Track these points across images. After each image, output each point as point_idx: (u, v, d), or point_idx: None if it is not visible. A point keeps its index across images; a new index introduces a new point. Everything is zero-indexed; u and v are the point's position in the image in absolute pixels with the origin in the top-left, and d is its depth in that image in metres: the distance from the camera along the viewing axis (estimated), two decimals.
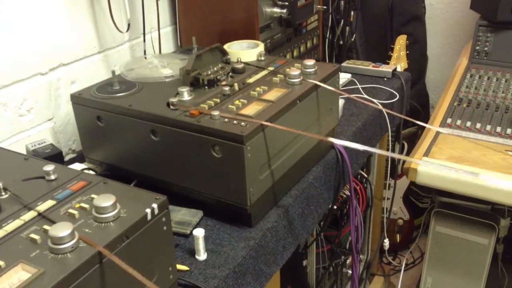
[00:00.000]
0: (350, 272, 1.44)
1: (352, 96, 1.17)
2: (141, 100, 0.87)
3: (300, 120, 0.88)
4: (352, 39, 1.82)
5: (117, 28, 1.10)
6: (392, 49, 1.80)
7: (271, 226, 0.84)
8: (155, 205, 0.58)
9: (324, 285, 1.32)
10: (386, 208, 1.67)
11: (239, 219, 0.82)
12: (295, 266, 1.19)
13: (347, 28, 1.77)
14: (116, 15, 1.09)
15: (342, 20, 1.75)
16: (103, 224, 0.54)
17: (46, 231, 0.52)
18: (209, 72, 0.91)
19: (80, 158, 1.02)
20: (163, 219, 0.59)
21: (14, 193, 0.60)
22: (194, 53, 0.90)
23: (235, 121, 0.77)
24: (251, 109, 0.81)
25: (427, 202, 1.99)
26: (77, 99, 0.91)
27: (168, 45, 1.32)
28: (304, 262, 1.20)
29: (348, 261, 1.45)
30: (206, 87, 0.89)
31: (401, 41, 1.81)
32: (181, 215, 0.85)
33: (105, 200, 0.55)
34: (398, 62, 1.78)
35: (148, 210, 0.57)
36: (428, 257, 1.50)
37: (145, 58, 1.09)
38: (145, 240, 0.57)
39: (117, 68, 0.96)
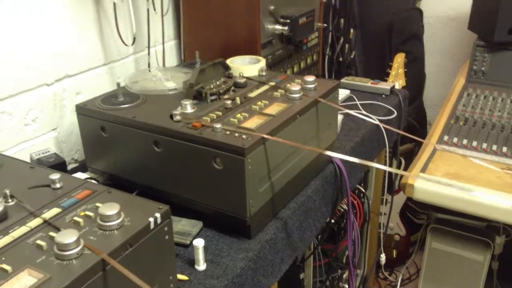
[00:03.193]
0: (347, 286, 1.45)
1: (351, 111, 1.20)
2: (144, 112, 0.89)
3: (300, 134, 0.90)
4: (352, 56, 1.85)
5: (123, 41, 1.13)
6: (390, 67, 1.83)
7: (269, 238, 0.85)
8: (158, 215, 0.59)
9: None
10: (383, 224, 1.68)
11: (238, 230, 0.84)
12: (292, 279, 1.20)
13: (347, 45, 1.81)
14: (122, 28, 1.12)
15: (342, 38, 1.79)
16: (107, 232, 0.56)
17: (52, 237, 0.54)
18: (212, 86, 0.93)
19: (82, 168, 1.04)
20: (165, 228, 0.61)
21: (20, 201, 0.61)
22: (197, 67, 0.93)
23: (236, 134, 0.79)
24: (253, 123, 0.83)
25: (424, 218, 2.00)
26: (82, 110, 0.93)
27: (172, 59, 1.34)
28: (301, 275, 1.21)
29: (344, 275, 1.46)
30: (209, 100, 0.92)
31: (399, 59, 1.85)
32: (181, 225, 0.86)
33: (109, 209, 0.57)
34: (396, 79, 1.81)
35: (151, 219, 0.58)
36: (424, 273, 1.51)
37: (149, 71, 1.11)
38: (147, 248, 0.58)
39: (122, 80, 0.99)
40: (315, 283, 1.27)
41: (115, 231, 0.56)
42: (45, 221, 0.58)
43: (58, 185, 0.65)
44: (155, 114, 0.88)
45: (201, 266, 0.77)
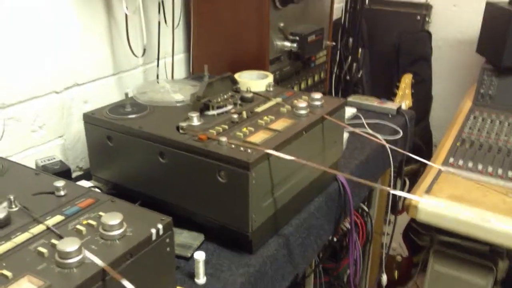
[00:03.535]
0: None
1: (357, 130, 1.20)
2: (151, 123, 0.90)
3: (305, 150, 0.90)
4: (359, 75, 1.86)
5: (133, 52, 1.14)
6: (397, 87, 1.84)
7: (271, 254, 0.85)
8: (160, 226, 0.59)
9: None
10: (386, 244, 1.67)
11: (240, 245, 0.83)
12: None
13: (355, 64, 1.82)
14: (132, 39, 1.13)
15: (350, 57, 1.80)
16: (109, 242, 0.56)
17: (53, 245, 0.54)
18: (219, 100, 0.94)
19: (86, 176, 1.04)
20: (167, 240, 0.61)
21: (24, 206, 0.62)
22: (206, 81, 0.93)
23: (241, 148, 0.79)
24: (258, 137, 0.83)
25: (427, 240, 1.98)
26: (89, 119, 0.94)
27: (180, 71, 1.35)
28: None
29: None
30: (216, 113, 0.92)
31: (406, 79, 1.85)
32: (182, 237, 0.86)
33: (112, 218, 0.57)
34: (403, 99, 1.81)
35: (153, 230, 0.58)
36: None
37: (158, 82, 1.12)
38: (148, 259, 0.58)
39: (130, 91, 0.99)
40: None
41: (117, 241, 0.56)
42: (47, 228, 0.58)
43: (62, 193, 0.65)
44: (162, 125, 0.88)
45: (201, 279, 0.77)
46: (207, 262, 0.80)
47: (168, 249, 0.61)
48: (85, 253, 0.52)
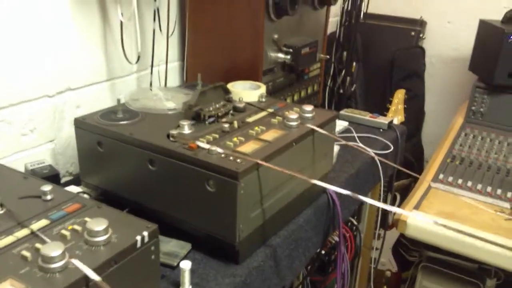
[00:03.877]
0: None
1: (348, 143, 1.20)
2: (142, 130, 0.90)
3: (295, 162, 0.90)
4: (352, 89, 1.88)
5: (127, 59, 1.14)
6: (390, 102, 1.85)
7: (257, 265, 0.84)
8: (145, 233, 0.59)
9: None
10: (375, 258, 1.67)
11: (226, 255, 0.83)
12: None
13: (348, 78, 1.83)
14: (127, 46, 1.14)
15: (344, 70, 1.81)
16: (93, 248, 0.56)
17: (37, 249, 0.54)
18: (211, 109, 0.94)
19: (76, 181, 1.03)
20: (152, 247, 0.61)
21: (10, 210, 0.61)
22: (198, 89, 0.94)
23: (231, 157, 0.79)
24: (248, 147, 0.84)
25: (416, 256, 1.98)
26: (80, 123, 0.94)
27: (174, 80, 1.36)
28: None
29: None
30: (207, 122, 0.92)
31: (399, 94, 1.87)
32: (170, 246, 0.85)
33: (97, 224, 0.56)
34: (396, 114, 1.82)
35: (139, 238, 0.58)
36: None
37: (151, 89, 1.13)
38: (133, 267, 0.58)
39: (123, 97, 1.00)
40: None
41: (102, 247, 0.56)
42: (32, 232, 0.58)
43: (49, 197, 0.65)
44: (153, 132, 0.88)
45: None
46: (193, 272, 0.79)
47: (153, 256, 0.61)
48: (69, 259, 0.52)
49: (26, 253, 0.53)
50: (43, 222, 0.60)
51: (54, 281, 0.50)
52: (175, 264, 0.81)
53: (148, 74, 1.23)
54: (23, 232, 0.58)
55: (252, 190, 0.80)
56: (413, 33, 2.02)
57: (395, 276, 1.95)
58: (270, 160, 0.82)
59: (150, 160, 0.86)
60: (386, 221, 1.80)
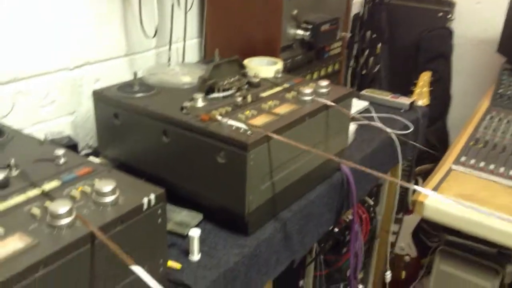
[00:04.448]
0: None
1: (361, 118, 1.19)
2: (157, 102, 0.91)
3: (307, 137, 0.90)
4: (376, 70, 1.84)
5: (145, 35, 1.15)
6: (415, 85, 1.81)
7: (267, 237, 0.85)
8: (152, 196, 0.60)
9: None
10: (392, 242, 1.66)
11: (236, 226, 0.84)
12: (291, 285, 1.19)
13: (372, 58, 1.80)
14: (145, 22, 1.15)
15: (368, 50, 1.78)
16: (101, 208, 0.57)
17: (46, 208, 0.55)
18: (225, 83, 0.95)
19: (95, 154, 1.06)
20: (159, 211, 0.62)
21: (23, 171, 0.64)
22: (212, 63, 0.94)
23: (242, 129, 0.79)
24: (260, 120, 0.84)
25: (437, 241, 1.95)
26: (98, 96, 0.96)
27: (193, 57, 1.37)
28: (301, 282, 1.20)
29: None
30: (221, 96, 0.93)
31: (425, 77, 1.82)
32: (181, 216, 0.87)
33: (105, 185, 0.58)
34: (420, 98, 1.78)
35: (145, 200, 0.59)
36: None
37: (168, 65, 1.14)
38: (139, 228, 0.59)
39: (141, 72, 1.01)
40: None
41: (109, 207, 0.57)
42: (43, 192, 0.60)
43: (61, 161, 0.67)
44: (167, 105, 0.89)
45: (195, 256, 0.78)
46: (202, 241, 0.81)
47: (159, 220, 0.63)
48: (75, 216, 0.54)
49: (36, 211, 0.55)
50: (54, 184, 0.62)
51: (61, 237, 0.52)
52: (186, 233, 0.83)
53: (166, 50, 1.24)
54: (34, 192, 0.60)
55: (262, 162, 0.81)
56: (440, 14, 1.96)
57: (414, 261, 1.93)
58: (281, 133, 0.82)
59: (164, 132, 0.87)
60: (405, 205, 1.78)
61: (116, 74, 1.15)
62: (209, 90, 0.93)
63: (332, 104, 0.92)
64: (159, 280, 0.64)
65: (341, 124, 1.02)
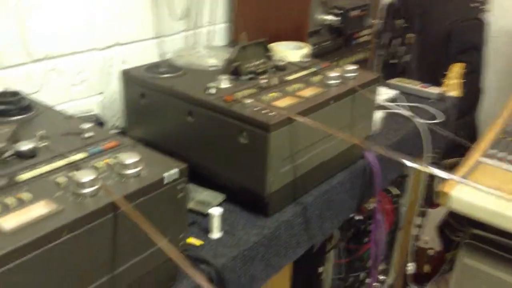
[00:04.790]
0: None
1: (388, 104, 1.17)
2: (182, 83, 0.92)
3: (331, 121, 0.89)
4: (406, 60, 1.81)
5: (174, 18, 1.16)
6: (446, 76, 1.77)
7: (286, 219, 0.85)
8: (174, 171, 0.61)
9: None
10: (417, 236, 1.63)
11: (256, 207, 0.85)
12: (310, 271, 1.19)
13: (402, 48, 1.76)
14: (175, 5, 1.16)
15: (398, 39, 1.74)
16: (124, 179, 0.59)
17: (72, 177, 0.57)
18: (251, 65, 0.95)
19: (121, 135, 1.08)
20: (180, 186, 0.63)
21: (51, 143, 0.66)
22: (238, 45, 0.94)
23: (264, 111, 0.80)
24: (283, 102, 0.84)
25: (462, 236, 1.91)
26: (126, 75, 0.98)
27: (221, 41, 1.37)
28: (321, 269, 1.20)
29: (367, 280, 1.43)
30: (245, 78, 0.93)
31: (456, 68, 1.78)
32: (203, 195, 0.88)
33: (129, 157, 0.59)
34: (451, 89, 1.74)
35: (167, 174, 0.60)
36: None
37: (196, 48, 1.14)
38: (160, 202, 0.60)
39: (168, 54, 1.02)
40: (334, 281, 1.25)
41: (132, 179, 0.59)
42: (69, 163, 0.61)
43: (88, 134, 0.69)
44: (192, 85, 0.90)
45: (215, 234, 0.79)
46: (223, 220, 0.82)
47: (180, 195, 0.63)
48: (99, 186, 0.55)
49: (61, 180, 0.57)
50: (80, 155, 0.63)
51: (84, 205, 0.53)
52: (207, 212, 0.83)
53: (194, 34, 1.24)
54: (61, 162, 0.61)
55: (284, 144, 0.81)
56: (473, 5, 1.90)
57: (438, 255, 1.90)
58: (304, 116, 0.81)
59: (188, 112, 0.88)
60: (430, 197, 1.74)
61: (144, 56, 1.16)
62: (234, 72, 0.94)
63: (359, 88, 0.91)
64: (179, 254, 0.66)
65: (367, 110, 1.01)
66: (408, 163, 0.79)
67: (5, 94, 0.75)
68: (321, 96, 0.87)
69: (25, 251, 0.47)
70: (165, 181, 0.60)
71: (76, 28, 1.02)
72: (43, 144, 0.65)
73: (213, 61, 1.02)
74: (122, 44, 1.12)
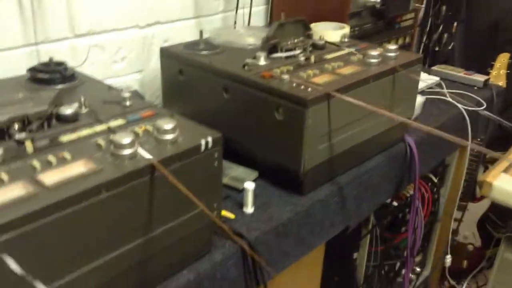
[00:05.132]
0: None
1: (429, 83, 1.13)
2: (220, 60, 0.92)
3: (371, 101, 0.87)
4: (450, 48, 1.75)
5: None
6: (492, 66, 1.70)
7: (321, 198, 0.84)
8: (210, 139, 0.61)
9: (372, 283, 1.28)
10: (454, 230, 1.58)
11: (291, 185, 0.84)
12: (344, 257, 1.17)
13: (446, 35, 1.70)
14: None
15: (442, 26, 1.69)
16: (161, 144, 0.59)
17: (111, 140, 0.58)
18: (289, 43, 0.94)
19: None
20: (215, 155, 0.63)
21: (92, 109, 0.67)
22: (277, 22, 0.93)
23: (302, 86, 0.79)
24: (322, 79, 0.82)
25: (504, 232, 1.84)
26: (165, 52, 0.99)
27: (259, 22, 1.36)
28: (355, 255, 1.18)
29: (403, 271, 1.40)
30: (283, 56, 0.92)
31: (503, 59, 1.70)
32: (237, 172, 0.88)
33: (166, 123, 0.60)
34: (497, 80, 1.67)
35: (203, 141, 0.61)
36: (491, 285, 1.40)
37: (235, 28, 1.14)
38: (195, 169, 0.61)
39: (207, 34, 1.03)
40: (368, 267, 1.23)
41: (168, 144, 0.59)
42: (108, 128, 0.63)
43: (128, 103, 0.70)
44: (229, 62, 0.90)
45: (249, 209, 0.79)
46: (257, 196, 0.81)
47: (215, 164, 0.64)
48: (138, 150, 0.56)
49: (101, 142, 0.58)
50: (120, 122, 0.64)
51: (122, 166, 0.54)
52: (241, 187, 0.83)
53: (233, 15, 1.24)
54: (101, 127, 0.63)
55: (321, 120, 0.79)
56: None
57: (477, 251, 1.83)
58: (343, 93, 0.80)
59: (224, 88, 0.88)
60: (472, 191, 1.69)
61: (184, 35, 1.17)
62: (272, 50, 0.93)
63: (400, 68, 0.89)
64: (212, 223, 0.66)
65: (408, 92, 0.98)
66: (459, 140, 0.75)
67: (49, 63, 0.78)
68: (361, 74, 0.85)
69: (64, 205, 0.48)
70: (202, 148, 0.61)
71: (118, 6, 1.04)
72: (85, 110, 0.67)
73: (251, 40, 1.02)
74: (162, 23, 1.13)
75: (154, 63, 1.14)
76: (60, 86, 0.75)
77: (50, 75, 0.75)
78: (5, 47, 0.88)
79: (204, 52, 0.96)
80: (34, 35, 0.91)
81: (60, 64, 0.78)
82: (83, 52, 0.99)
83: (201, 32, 0.99)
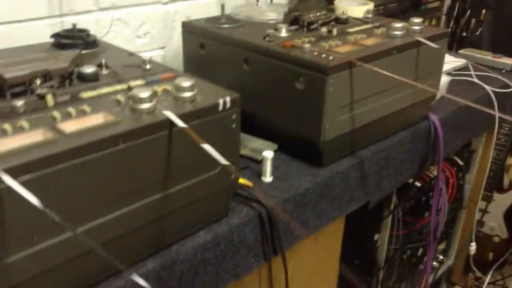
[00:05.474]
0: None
1: (453, 59, 1.10)
2: (241, 32, 0.92)
3: (394, 73, 0.85)
4: (478, 33, 1.70)
5: None
6: None
7: (341, 171, 0.83)
8: (228, 99, 0.61)
9: (392, 267, 1.25)
10: (482, 221, 1.54)
11: (311, 156, 0.83)
12: (365, 239, 1.15)
13: (473, 20, 1.66)
14: None
15: (469, 11, 1.65)
16: (179, 102, 0.59)
17: (130, 95, 0.58)
18: (311, 15, 0.93)
19: None
20: (233, 116, 0.63)
21: (113, 71, 0.68)
22: None
23: (324, 55, 0.77)
24: (344, 49, 0.81)
25: None
26: (187, 26, 0.99)
27: (282, 0, 1.35)
28: (376, 237, 1.16)
29: (425, 259, 1.37)
30: (305, 28, 0.91)
31: None
32: (257, 144, 0.88)
33: (185, 82, 0.60)
34: None
35: (221, 101, 0.60)
36: None
37: (257, 4, 1.14)
38: (214, 128, 0.61)
39: (229, 11, 1.03)
40: (389, 250, 1.21)
41: (187, 102, 0.59)
42: (128, 87, 0.63)
43: (147, 66, 0.70)
44: (250, 34, 0.90)
45: (268, 178, 0.78)
46: (276, 168, 0.81)
47: (233, 125, 0.63)
48: (156, 105, 0.56)
49: (120, 98, 0.58)
50: (139, 82, 0.65)
51: (141, 119, 0.54)
52: (260, 158, 0.83)
53: None
54: (121, 86, 0.63)
55: (342, 90, 0.78)
56: None
57: (504, 243, 1.78)
58: (365, 63, 0.78)
59: (245, 60, 0.87)
60: (499, 181, 1.64)
61: (206, 12, 1.16)
62: (294, 22, 0.92)
63: (425, 41, 0.87)
64: (230, 185, 0.66)
65: (432, 67, 0.95)
66: (489, 111, 0.73)
67: (72, 30, 0.79)
68: (384, 45, 0.84)
69: (82, 152, 0.49)
70: (220, 108, 0.60)
71: None
72: (106, 71, 0.68)
73: (273, 15, 1.01)
74: (185, 0, 1.14)
75: (177, 40, 1.14)
76: (82, 52, 0.76)
77: (73, 40, 0.76)
78: (30, 17, 0.90)
79: (226, 26, 0.96)
80: (59, 6, 0.92)
81: (83, 30, 0.79)
82: (106, 25, 1.00)
83: (222, 6, 0.99)
